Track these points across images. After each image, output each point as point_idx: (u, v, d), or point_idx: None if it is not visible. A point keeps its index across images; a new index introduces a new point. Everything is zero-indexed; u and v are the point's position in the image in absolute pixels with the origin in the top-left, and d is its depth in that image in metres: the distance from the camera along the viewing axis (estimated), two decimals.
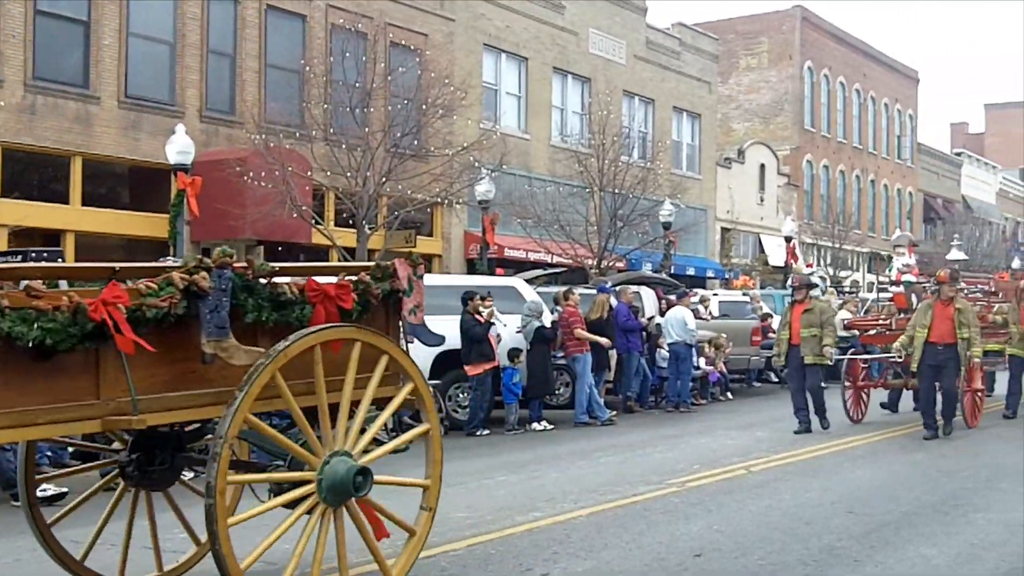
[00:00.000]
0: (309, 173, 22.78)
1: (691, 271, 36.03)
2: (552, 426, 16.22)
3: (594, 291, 18.68)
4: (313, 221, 22.57)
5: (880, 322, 17.83)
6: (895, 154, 57.74)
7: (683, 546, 7.96)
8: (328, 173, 22.60)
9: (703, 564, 7.48)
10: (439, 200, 25.19)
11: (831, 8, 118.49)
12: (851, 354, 17.28)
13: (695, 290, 25.45)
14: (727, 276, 39.32)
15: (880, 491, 10.31)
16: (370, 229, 22.75)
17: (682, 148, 39.35)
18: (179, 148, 19.77)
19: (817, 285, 20.77)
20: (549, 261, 28.07)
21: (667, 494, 10.03)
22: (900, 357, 14.93)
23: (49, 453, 11.75)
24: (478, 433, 15.31)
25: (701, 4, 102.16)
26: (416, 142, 23.69)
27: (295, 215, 21.79)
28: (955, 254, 39.85)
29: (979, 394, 15.98)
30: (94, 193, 22.19)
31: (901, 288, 18.75)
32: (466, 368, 15.45)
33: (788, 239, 36.15)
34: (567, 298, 17.15)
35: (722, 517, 9.04)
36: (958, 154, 68.30)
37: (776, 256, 40.60)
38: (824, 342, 14.99)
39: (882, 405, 17.44)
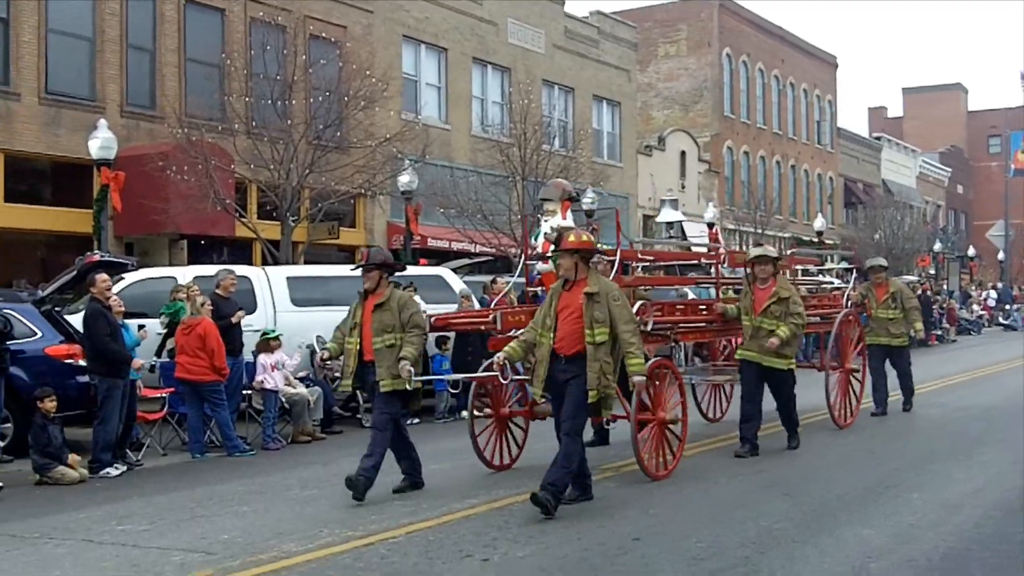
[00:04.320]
0: (232, 166, 22.99)
1: None
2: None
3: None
4: (237, 214, 22.79)
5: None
6: (815, 139, 58.85)
7: (621, 530, 8.23)
8: (251, 166, 22.84)
9: (642, 548, 7.71)
10: (362, 191, 25.52)
11: None
12: None
13: None
14: None
15: (815, 474, 10.88)
16: (293, 221, 23.03)
17: (603, 136, 39.95)
18: (101, 143, 19.92)
19: None
20: (473, 251, 28.50)
21: (603, 478, 10.29)
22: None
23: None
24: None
25: None
26: (338, 134, 23.99)
27: (219, 208, 22.01)
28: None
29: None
30: (16, 189, 22.24)
31: (549, 266, 11.34)
32: None
33: (711, 225, 36.91)
34: (494, 284, 17.61)
35: (658, 501, 9.40)
36: (877, 138, 69.68)
37: (699, 242, 41.32)
38: None
39: None
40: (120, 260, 14.44)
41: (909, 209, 60.10)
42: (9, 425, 12.86)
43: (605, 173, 34.96)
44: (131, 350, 12.59)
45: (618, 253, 11.19)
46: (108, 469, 11.72)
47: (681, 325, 12.49)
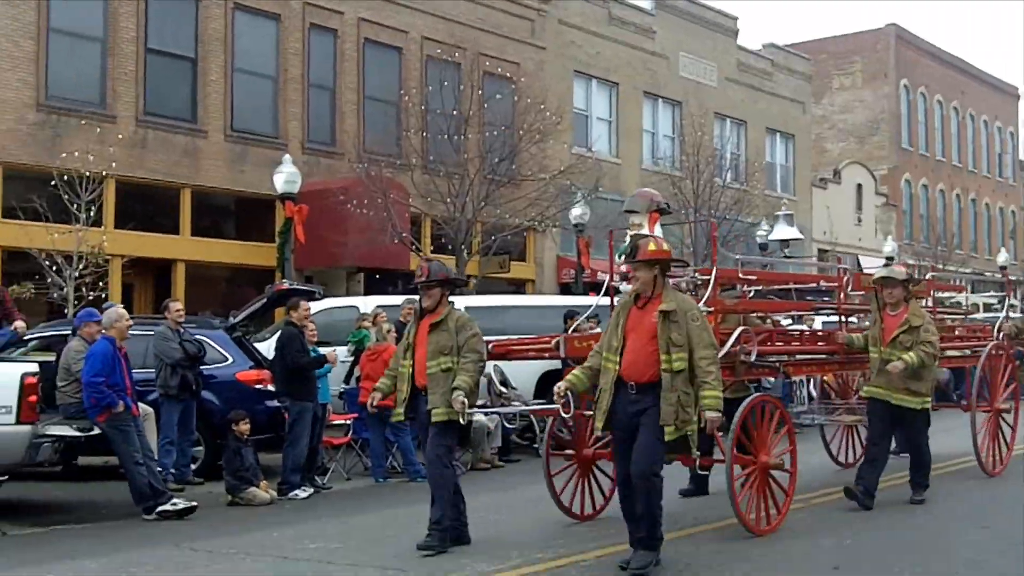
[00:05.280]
0: (408, 200, 23.30)
1: None
2: None
3: None
4: (413, 247, 23.06)
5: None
6: (996, 172, 56.74)
7: (822, 559, 8.13)
8: (428, 199, 23.11)
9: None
10: (534, 225, 25.55)
11: (926, 25, 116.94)
12: None
13: None
14: None
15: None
16: (467, 255, 23.17)
17: (776, 169, 39.25)
18: (286, 177, 20.42)
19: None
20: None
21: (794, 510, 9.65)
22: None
23: (173, 471, 12.34)
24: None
25: (791, 25, 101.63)
26: (512, 167, 24.08)
27: (396, 241, 22.30)
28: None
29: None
30: (202, 223, 22.98)
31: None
32: None
33: (890, 259, 35.78)
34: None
35: (854, 532, 9.05)
36: None
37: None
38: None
39: None
40: (307, 288, 14.71)
41: None
42: (201, 448, 13.16)
43: (779, 206, 34.25)
44: (320, 378, 12.75)
45: (714, 271, 9.74)
46: (297, 491, 11.84)
47: (794, 357, 10.94)
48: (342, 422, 13.88)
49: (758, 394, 9.65)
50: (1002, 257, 44.92)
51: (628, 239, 9.31)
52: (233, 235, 23.81)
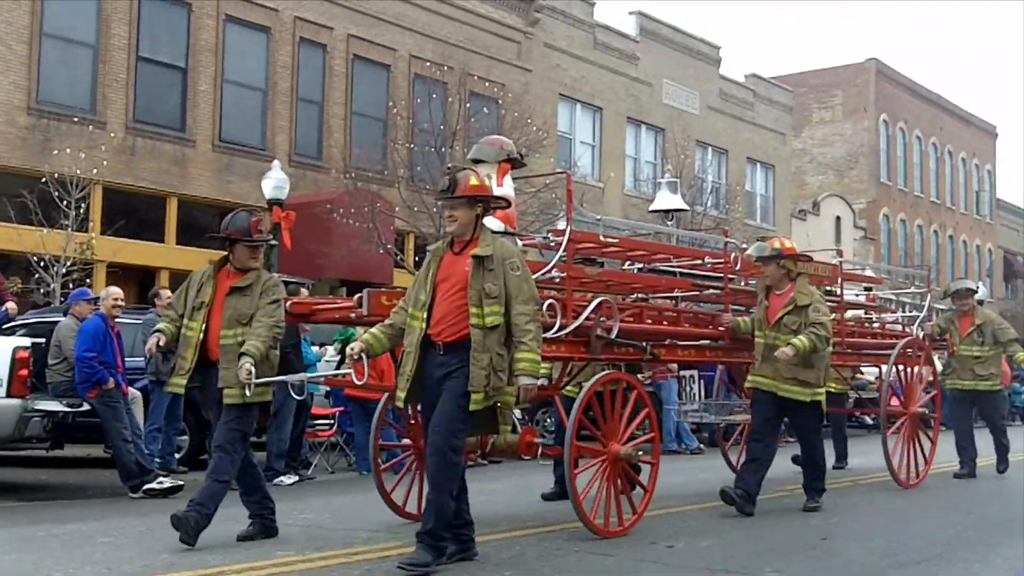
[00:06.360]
0: (395, 211, 23.48)
1: None
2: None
3: None
4: (398, 257, 23.21)
5: None
6: (974, 209, 57.35)
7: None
8: (414, 209, 23.29)
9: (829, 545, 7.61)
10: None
11: (906, 61, 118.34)
12: None
13: None
14: None
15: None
16: None
17: (756, 199, 39.65)
18: (275, 183, 20.55)
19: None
20: None
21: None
22: None
23: (158, 459, 12.40)
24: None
25: (771, 58, 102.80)
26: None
27: (381, 251, 22.45)
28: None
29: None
30: (188, 232, 23.09)
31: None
32: None
33: (868, 290, 36.05)
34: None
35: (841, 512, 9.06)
36: None
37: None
38: None
39: None
40: (296, 280, 14.83)
41: None
42: (186, 437, 13.24)
43: (758, 235, 34.58)
44: (312, 366, 12.88)
45: (567, 230, 8.34)
46: (282, 478, 11.94)
47: (665, 338, 9.37)
48: (328, 414, 13.98)
49: (610, 371, 8.47)
50: (981, 292, 45.24)
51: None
52: (217, 245, 23.79)
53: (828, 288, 11.76)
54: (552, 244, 8.60)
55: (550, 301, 7.73)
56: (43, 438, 11.02)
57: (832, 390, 12.43)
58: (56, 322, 12.24)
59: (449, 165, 7.23)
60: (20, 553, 7.17)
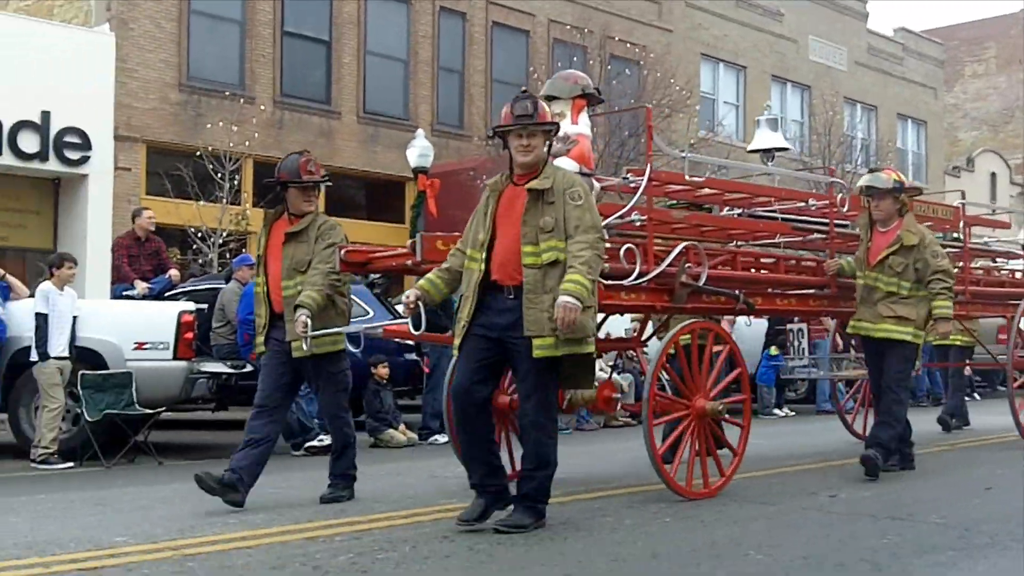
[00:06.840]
0: None
1: None
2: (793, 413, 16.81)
3: None
4: None
5: None
6: None
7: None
8: None
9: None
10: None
11: None
12: None
13: None
14: None
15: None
16: None
17: (907, 156, 38.43)
18: (420, 152, 20.69)
19: None
20: None
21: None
22: None
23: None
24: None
25: (920, 11, 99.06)
26: (641, 143, 24.05)
27: None
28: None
29: None
30: (336, 202, 23.42)
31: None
32: None
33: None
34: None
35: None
36: None
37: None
38: None
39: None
40: None
41: None
42: None
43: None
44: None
45: (648, 170, 7.49)
46: (436, 436, 12.03)
47: (762, 285, 8.61)
48: None
49: (694, 320, 7.64)
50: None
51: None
52: (364, 215, 24.22)
53: (956, 235, 11.05)
54: (632, 185, 7.77)
55: (628, 246, 7.18)
56: (208, 399, 11.32)
57: (959, 343, 12.04)
58: (216, 289, 12.58)
59: (523, 88, 6.51)
60: (194, 504, 7.34)
